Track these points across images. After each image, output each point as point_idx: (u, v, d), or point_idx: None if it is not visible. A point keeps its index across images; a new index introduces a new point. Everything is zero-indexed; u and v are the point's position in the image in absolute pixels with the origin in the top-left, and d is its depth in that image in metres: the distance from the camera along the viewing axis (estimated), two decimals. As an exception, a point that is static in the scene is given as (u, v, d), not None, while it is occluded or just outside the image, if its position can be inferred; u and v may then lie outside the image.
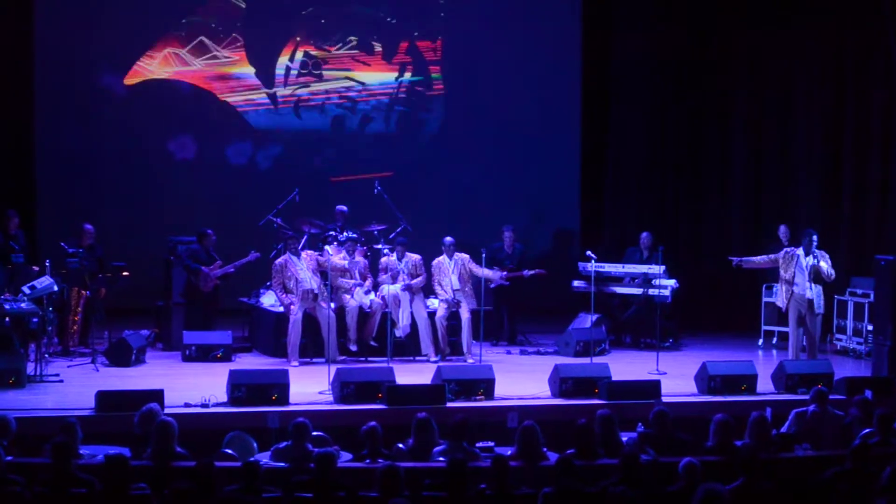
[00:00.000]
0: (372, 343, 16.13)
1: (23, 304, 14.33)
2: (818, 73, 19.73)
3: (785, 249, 15.75)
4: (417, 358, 16.13)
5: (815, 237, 15.53)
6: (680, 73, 20.63)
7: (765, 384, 14.32)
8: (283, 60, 20.37)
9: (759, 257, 16.08)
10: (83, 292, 16.14)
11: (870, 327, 16.77)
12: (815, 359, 15.21)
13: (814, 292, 15.44)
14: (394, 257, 16.38)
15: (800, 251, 15.49)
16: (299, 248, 16.28)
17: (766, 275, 18.27)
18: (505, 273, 17.37)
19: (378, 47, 20.71)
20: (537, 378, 14.33)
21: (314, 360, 15.75)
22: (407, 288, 16.11)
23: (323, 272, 15.70)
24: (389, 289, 16.07)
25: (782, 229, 18.16)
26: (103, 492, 8.95)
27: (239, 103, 20.26)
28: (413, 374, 14.54)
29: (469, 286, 16.34)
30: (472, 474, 9.51)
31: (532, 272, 17.58)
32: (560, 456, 9.80)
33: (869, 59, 19.09)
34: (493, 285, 17.02)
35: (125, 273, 16.48)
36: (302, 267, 15.85)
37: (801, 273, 15.41)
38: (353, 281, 16.20)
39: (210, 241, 16.80)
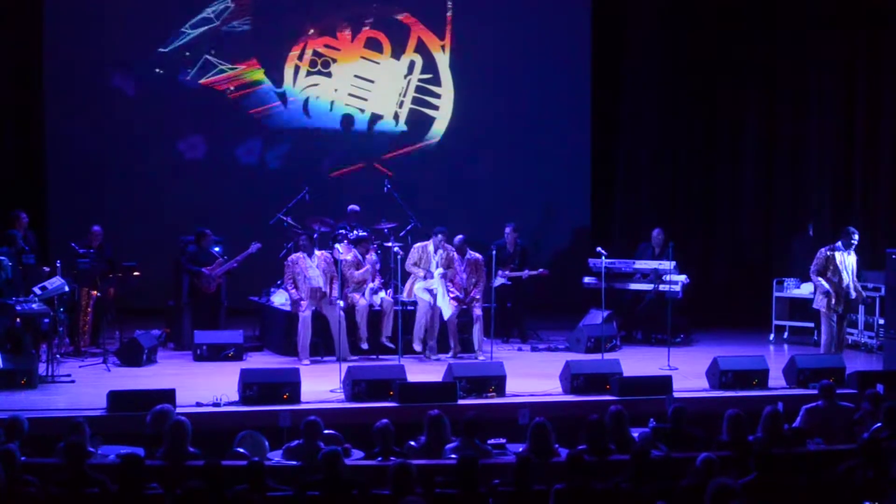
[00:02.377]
0: (388, 344, 15.96)
1: (34, 305, 14.33)
2: (830, 68, 19.72)
3: (822, 251, 15.50)
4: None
5: (855, 235, 15.38)
6: (691, 69, 20.61)
7: (776, 379, 14.30)
8: (292, 59, 20.38)
9: (817, 279, 15.57)
10: (93, 292, 16.17)
11: (881, 321, 16.75)
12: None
13: (854, 291, 15.41)
14: (430, 247, 16.14)
15: (837, 251, 15.34)
16: (314, 247, 16.22)
17: (777, 270, 18.26)
18: (507, 272, 17.40)
19: (387, 44, 20.71)
20: (548, 375, 14.31)
21: (325, 358, 15.75)
22: (444, 276, 16.01)
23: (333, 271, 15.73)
24: (421, 289, 15.95)
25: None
26: (118, 491, 8.96)
27: (248, 102, 20.26)
28: (424, 371, 14.55)
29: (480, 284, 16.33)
30: (491, 471, 9.56)
31: (533, 273, 17.58)
32: (571, 452, 9.79)
33: (881, 52, 19.08)
34: (495, 285, 17.01)
35: (136, 273, 16.50)
36: (311, 265, 15.86)
37: (845, 272, 15.29)
38: (371, 286, 16.18)
39: (209, 241, 16.78)
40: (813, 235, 18.24)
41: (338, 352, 15.28)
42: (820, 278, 15.37)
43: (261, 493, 8.98)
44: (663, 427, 11.01)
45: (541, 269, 17.74)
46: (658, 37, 20.63)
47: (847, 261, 15.42)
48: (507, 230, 17.82)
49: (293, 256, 16.03)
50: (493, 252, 16.39)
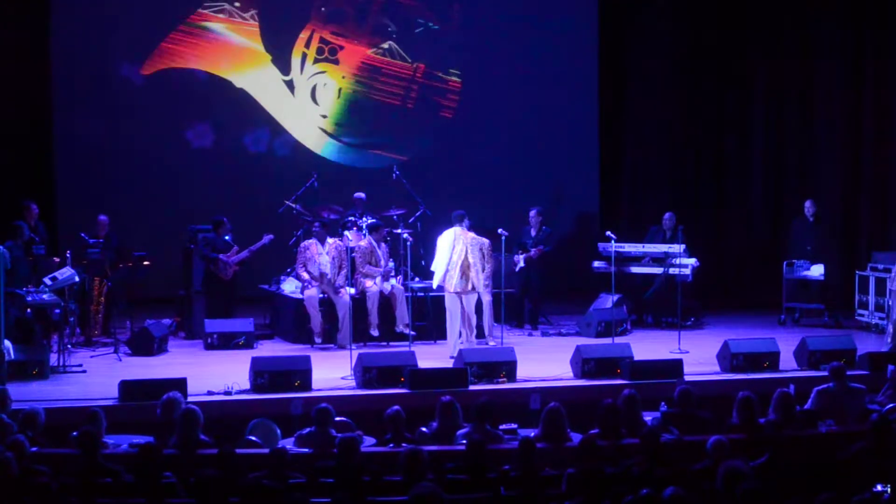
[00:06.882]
0: (408, 331, 15.63)
1: (45, 296, 14.38)
2: (838, 52, 19.71)
3: None
4: (439, 341, 16.09)
5: None
6: (699, 52, 20.56)
7: (787, 361, 14.30)
8: (299, 47, 20.35)
9: None
10: (104, 282, 16.20)
11: (892, 302, 16.71)
12: None
13: None
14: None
15: None
16: (327, 235, 16.18)
17: (787, 252, 18.24)
18: (524, 255, 17.38)
19: (394, 31, 20.67)
20: (559, 359, 14.33)
21: (331, 345, 15.80)
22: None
23: (342, 258, 15.77)
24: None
25: (807, 204, 18.08)
26: (135, 481, 8.97)
27: (256, 90, 20.24)
28: (435, 357, 14.55)
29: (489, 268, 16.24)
30: (498, 456, 9.55)
31: (533, 251, 17.48)
32: (583, 436, 9.80)
33: (889, 38, 19.06)
34: (516, 269, 16.99)
35: (146, 262, 16.52)
36: (322, 252, 15.89)
37: None
38: (380, 269, 16.17)
39: (226, 229, 16.78)
40: (813, 216, 18.09)
41: (339, 339, 15.38)
42: None
43: (282, 480, 8.98)
44: (674, 411, 11.00)
45: (540, 246, 17.60)
46: (666, 22, 20.57)
47: None
48: (532, 213, 17.75)
49: (305, 242, 16.14)
50: (504, 236, 16.17)
